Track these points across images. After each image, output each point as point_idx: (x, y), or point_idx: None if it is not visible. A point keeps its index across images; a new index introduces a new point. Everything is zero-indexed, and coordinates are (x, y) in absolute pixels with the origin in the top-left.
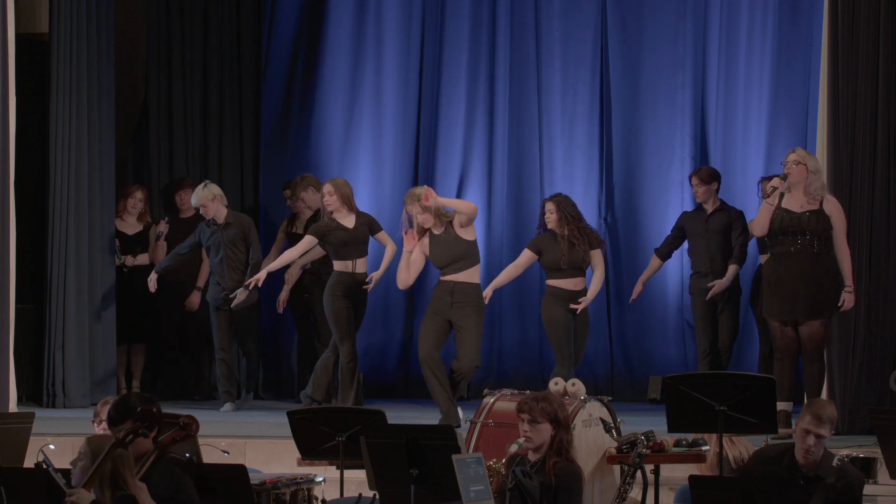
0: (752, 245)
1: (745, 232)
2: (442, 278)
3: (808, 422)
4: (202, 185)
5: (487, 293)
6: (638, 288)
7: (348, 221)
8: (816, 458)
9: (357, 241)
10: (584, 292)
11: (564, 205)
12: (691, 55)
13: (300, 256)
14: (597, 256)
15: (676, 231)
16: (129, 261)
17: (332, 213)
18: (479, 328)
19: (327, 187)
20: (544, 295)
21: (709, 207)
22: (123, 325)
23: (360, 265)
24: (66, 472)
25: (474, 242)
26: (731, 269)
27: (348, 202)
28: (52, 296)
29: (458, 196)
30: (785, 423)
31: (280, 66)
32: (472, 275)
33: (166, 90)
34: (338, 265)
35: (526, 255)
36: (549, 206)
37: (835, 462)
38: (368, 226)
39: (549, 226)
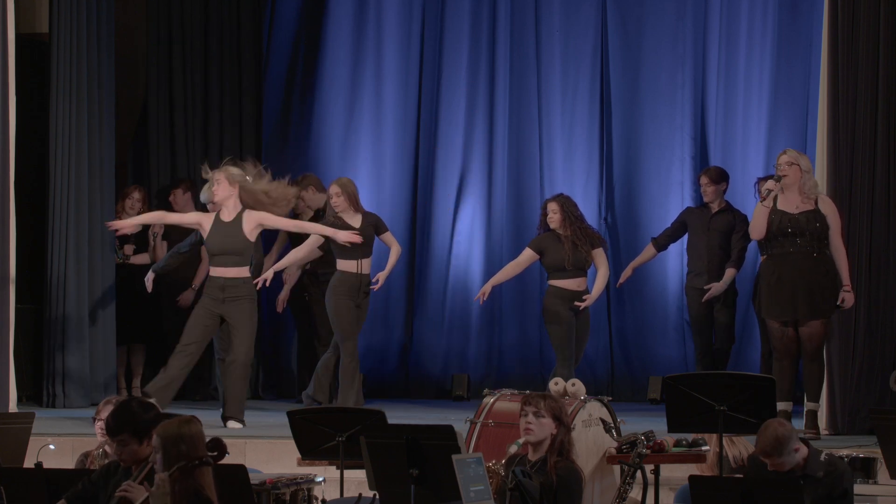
0: (751, 246)
1: (746, 236)
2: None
3: (769, 462)
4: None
5: (486, 290)
6: (627, 273)
7: (355, 221)
8: (800, 461)
9: (363, 241)
10: (586, 292)
11: (567, 205)
12: (691, 55)
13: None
14: (599, 255)
15: (678, 224)
16: (129, 249)
17: (338, 213)
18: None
19: (334, 188)
20: (546, 295)
21: (714, 207)
22: (123, 325)
23: (365, 266)
24: (65, 472)
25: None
26: (729, 272)
27: (355, 202)
28: (52, 296)
29: (458, 196)
30: None
31: (280, 66)
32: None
33: (166, 90)
34: (342, 265)
35: (527, 254)
36: (553, 206)
37: (822, 457)
38: (374, 226)
39: (552, 226)
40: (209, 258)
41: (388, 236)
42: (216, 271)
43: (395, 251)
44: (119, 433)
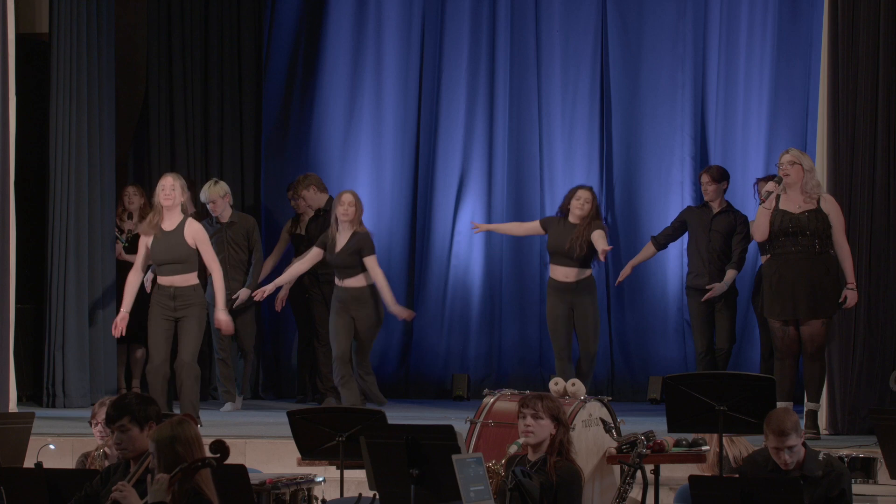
0: (751, 247)
1: (746, 238)
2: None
3: (773, 441)
4: (212, 181)
5: (484, 227)
6: (626, 271)
7: (343, 237)
8: (798, 459)
9: (345, 264)
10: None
11: (596, 201)
12: (691, 55)
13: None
14: (597, 234)
15: (677, 224)
16: (130, 225)
17: (344, 221)
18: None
19: (349, 197)
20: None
21: (715, 207)
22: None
23: (349, 282)
24: (65, 472)
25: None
26: (730, 273)
27: (359, 219)
28: (52, 296)
29: (458, 196)
30: None
31: (280, 66)
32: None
33: (167, 90)
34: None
35: (534, 224)
36: (585, 195)
37: (820, 457)
38: (358, 252)
39: (577, 212)
40: (156, 268)
41: (370, 261)
42: (164, 280)
43: (380, 282)
44: (119, 419)
